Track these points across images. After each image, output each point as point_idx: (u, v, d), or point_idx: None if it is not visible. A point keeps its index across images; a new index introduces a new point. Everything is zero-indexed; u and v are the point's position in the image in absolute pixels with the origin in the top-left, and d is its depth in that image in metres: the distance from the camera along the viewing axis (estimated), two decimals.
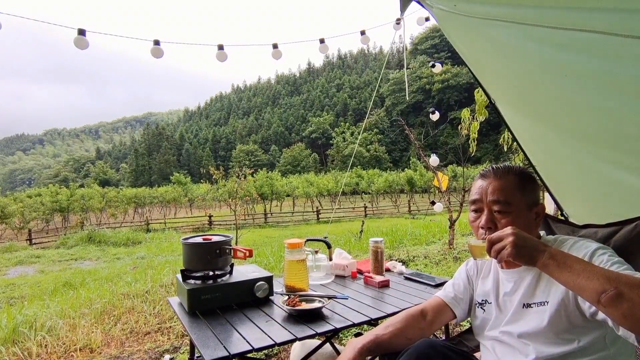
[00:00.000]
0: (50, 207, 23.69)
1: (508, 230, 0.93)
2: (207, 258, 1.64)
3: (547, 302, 1.00)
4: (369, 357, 1.19)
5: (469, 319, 1.29)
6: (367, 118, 31.71)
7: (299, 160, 76.02)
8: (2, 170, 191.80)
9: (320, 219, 22.34)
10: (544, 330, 0.99)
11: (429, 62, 5.00)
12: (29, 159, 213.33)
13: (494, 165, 1.15)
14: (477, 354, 1.30)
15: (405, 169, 34.92)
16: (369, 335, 1.14)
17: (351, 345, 1.11)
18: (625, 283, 0.79)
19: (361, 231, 9.78)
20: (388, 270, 2.20)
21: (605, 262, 0.93)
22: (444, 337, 2.01)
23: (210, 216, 21.42)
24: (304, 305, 1.54)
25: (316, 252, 2.04)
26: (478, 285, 1.24)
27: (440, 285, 1.90)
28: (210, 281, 1.65)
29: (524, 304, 1.06)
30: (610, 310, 0.80)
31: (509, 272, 1.13)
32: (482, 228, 1.09)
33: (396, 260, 3.51)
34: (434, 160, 6.63)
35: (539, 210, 1.11)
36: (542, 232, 1.17)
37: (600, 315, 0.90)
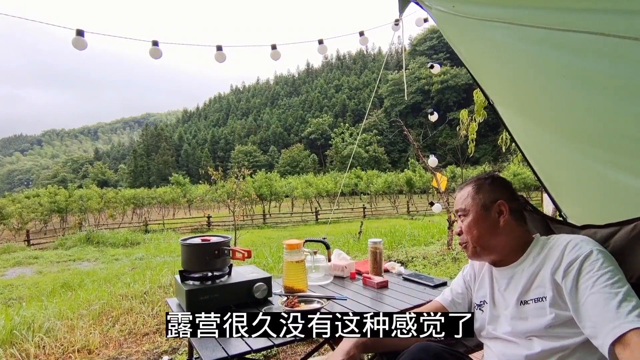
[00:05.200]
0: (48, 207, 23.64)
1: None
2: (206, 259, 1.64)
3: (546, 298, 1.01)
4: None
5: None
6: (366, 119, 31.77)
7: (298, 161, 75.97)
8: (0, 171, 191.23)
9: (319, 220, 22.36)
10: (548, 325, 1.00)
11: (428, 63, 5.00)
12: (27, 159, 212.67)
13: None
14: (474, 354, 1.30)
15: (404, 169, 34.96)
16: None
17: (347, 339, 1.11)
18: None
19: (360, 232, 9.80)
20: (387, 271, 2.20)
21: (595, 271, 0.94)
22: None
23: (208, 217, 21.43)
24: (303, 306, 1.54)
25: (315, 252, 2.04)
26: (476, 289, 1.26)
27: (438, 286, 1.90)
28: (209, 282, 1.65)
29: (520, 301, 1.07)
30: None
31: (502, 269, 1.16)
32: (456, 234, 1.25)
33: (395, 261, 3.51)
34: (432, 161, 6.65)
35: (501, 207, 1.15)
36: (537, 235, 1.17)
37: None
